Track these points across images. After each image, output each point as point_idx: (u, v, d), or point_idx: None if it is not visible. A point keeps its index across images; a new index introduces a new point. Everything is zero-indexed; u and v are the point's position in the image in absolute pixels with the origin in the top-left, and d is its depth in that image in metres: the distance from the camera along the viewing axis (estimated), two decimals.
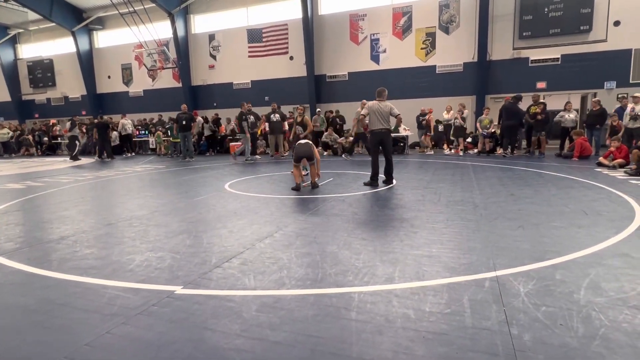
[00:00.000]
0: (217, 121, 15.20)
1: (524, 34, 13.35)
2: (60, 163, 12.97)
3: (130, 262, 3.07)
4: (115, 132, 15.96)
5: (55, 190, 7.01)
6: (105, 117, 15.93)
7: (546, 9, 12.93)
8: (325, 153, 13.12)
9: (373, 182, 6.43)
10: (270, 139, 12.42)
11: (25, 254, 3.38)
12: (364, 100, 11.29)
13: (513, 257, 2.96)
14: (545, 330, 1.94)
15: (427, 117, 12.58)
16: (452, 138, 12.22)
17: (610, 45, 12.44)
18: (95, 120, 14.95)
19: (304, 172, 6.88)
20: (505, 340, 1.87)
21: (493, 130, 11.44)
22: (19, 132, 18.55)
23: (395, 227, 3.94)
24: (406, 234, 3.64)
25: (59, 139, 18.48)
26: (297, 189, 6.20)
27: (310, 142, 6.58)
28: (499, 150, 11.10)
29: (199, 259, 3.10)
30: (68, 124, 14.07)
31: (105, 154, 13.96)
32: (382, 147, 6.44)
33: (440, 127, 12.83)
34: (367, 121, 6.36)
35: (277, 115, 11.94)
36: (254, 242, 3.49)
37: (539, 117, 10.20)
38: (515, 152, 10.85)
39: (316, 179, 6.40)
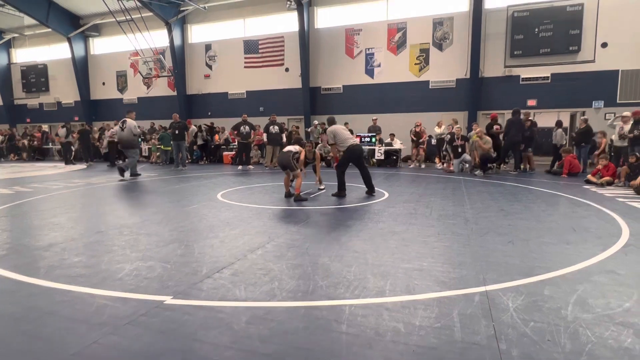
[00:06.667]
0: (211, 129, 15.22)
1: (515, 52, 13.67)
2: (50, 169, 12.83)
3: (119, 270, 3.04)
4: (105, 140, 15.98)
5: (44, 196, 6.92)
6: (101, 124, 16.00)
7: (536, 29, 13.29)
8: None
9: (341, 192, 6.71)
10: (267, 150, 12.44)
11: (12, 260, 3.33)
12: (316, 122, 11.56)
13: (503, 272, 2.99)
14: (533, 346, 1.96)
15: (417, 129, 12.60)
16: (443, 153, 12.33)
17: (598, 66, 12.79)
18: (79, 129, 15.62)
19: (291, 184, 6.89)
20: (494, 356, 1.88)
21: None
22: (8, 136, 18.35)
23: (387, 240, 3.96)
24: (397, 247, 3.66)
25: (50, 144, 18.38)
26: (286, 196, 6.44)
27: (295, 151, 6.41)
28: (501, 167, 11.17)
29: (190, 268, 3.08)
30: (63, 131, 14.18)
31: (90, 159, 14.92)
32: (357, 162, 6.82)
33: (433, 142, 12.96)
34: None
35: (276, 127, 11.97)
36: (246, 253, 3.48)
37: (527, 133, 10.40)
38: (503, 167, 10.99)
39: (297, 192, 6.20)
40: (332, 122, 6.96)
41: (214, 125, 15.50)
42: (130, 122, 9.81)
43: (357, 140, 6.83)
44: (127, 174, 9.65)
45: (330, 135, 6.66)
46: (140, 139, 9.91)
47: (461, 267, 3.09)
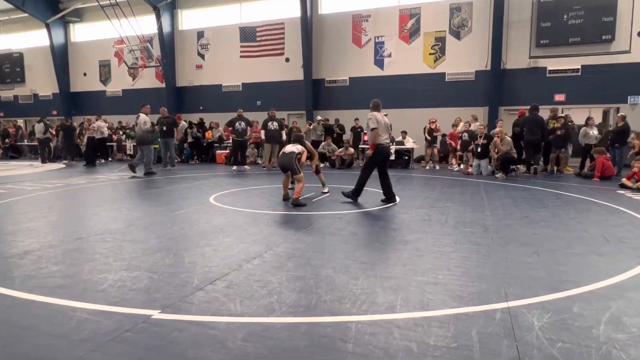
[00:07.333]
0: (201, 125, 15.27)
1: (542, 42, 13.66)
2: (26, 168, 12.92)
3: (102, 281, 3.06)
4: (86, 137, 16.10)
5: (19, 198, 6.97)
6: (82, 119, 16.14)
7: (565, 16, 13.27)
8: (321, 165, 13.18)
9: (355, 196, 6.54)
10: (265, 148, 12.50)
11: None
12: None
13: (527, 286, 2.98)
14: None
15: (432, 126, 12.58)
16: (460, 153, 12.31)
17: (635, 57, 12.73)
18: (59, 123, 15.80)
19: (290, 185, 6.91)
20: None
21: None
22: None
23: (398, 249, 3.96)
24: (410, 258, 3.66)
25: (25, 140, 18.51)
26: (285, 199, 6.50)
27: (298, 151, 6.48)
28: (521, 168, 11.14)
29: (180, 280, 3.10)
30: (40, 127, 14.32)
31: (70, 157, 14.98)
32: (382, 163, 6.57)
33: (449, 141, 12.95)
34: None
35: (275, 123, 12.02)
36: (241, 263, 3.50)
37: (559, 132, 10.36)
38: (534, 170, 10.96)
39: (297, 196, 6.18)
40: (376, 106, 6.53)
41: (203, 122, 15.56)
42: (142, 117, 10.48)
43: (389, 140, 6.64)
44: (140, 172, 10.52)
45: (374, 120, 6.30)
46: (152, 134, 10.88)
47: (480, 281, 3.09)
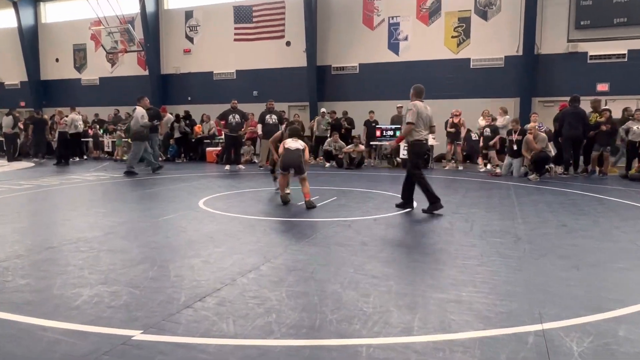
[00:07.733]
0: (190, 119, 15.31)
1: (582, 23, 13.55)
2: None
3: (76, 297, 3.08)
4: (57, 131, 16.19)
5: None
6: (53, 111, 16.24)
7: None
8: (327, 164, 13.21)
9: (437, 204, 6.18)
10: (263, 145, 12.52)
11: None
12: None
13: (564, 305, 2.97)
14: None
15: (456, 120, 12.52)
16: (484, 151, 12.26)
17: None
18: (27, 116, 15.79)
19: (287, 191, 6.89)
20: None
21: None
22: None
23: (415, 262, 3.96)
24: (429, 272, 3.66)
25: None
26: (285, 201, 6.62)
27: (303, 147, 6.62)
28: (558, 169, 11.09)
29: (165, 295, 3.11)
30: (8, 120, 14.40)
31: (41, 155, 14.82)
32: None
33: (474, 136, 12.91)
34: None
35: (273, 117, 12.03)
36: (235, 277, 3.50)
37: (604, 127, 10.30)
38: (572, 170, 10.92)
39: (309, 197, 6.48)
40: (419, 93, 6.32)
41: (190, 114, 15.57)
42: (139, 110, 10.85)
43: (428, 136, 6.51)
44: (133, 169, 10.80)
45: (414, 112, 6.05)
46: (147, 130, 11.10)
47: (511, 299, 3.08)
